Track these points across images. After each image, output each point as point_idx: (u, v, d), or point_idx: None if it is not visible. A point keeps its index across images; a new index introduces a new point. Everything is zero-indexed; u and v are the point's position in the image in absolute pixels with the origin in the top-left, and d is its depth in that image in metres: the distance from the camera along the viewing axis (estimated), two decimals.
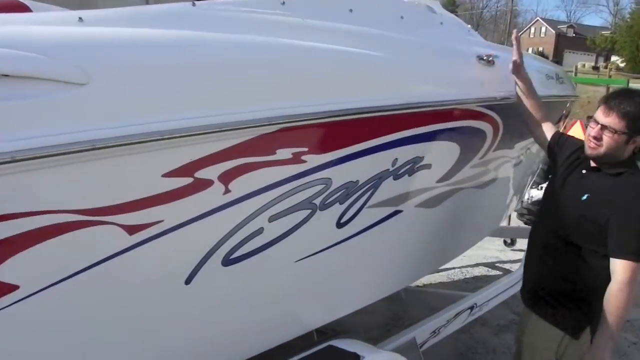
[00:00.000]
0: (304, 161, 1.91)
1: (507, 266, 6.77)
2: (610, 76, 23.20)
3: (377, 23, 2.35)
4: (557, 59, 52.02)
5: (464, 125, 2.63)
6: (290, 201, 1.93)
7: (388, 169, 2.27)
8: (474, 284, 5.97)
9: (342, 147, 2.03)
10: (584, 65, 46.64)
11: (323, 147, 1.97)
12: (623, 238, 2.27)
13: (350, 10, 2.30)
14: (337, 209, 2.12)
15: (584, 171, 2.51)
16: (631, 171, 2.38)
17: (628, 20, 44.51)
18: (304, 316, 2.33)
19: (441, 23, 2.86)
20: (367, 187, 2.20)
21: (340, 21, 2.22)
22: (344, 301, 2.47)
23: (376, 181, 2.23)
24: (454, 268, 6.50)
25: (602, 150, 2.38)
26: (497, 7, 72.83)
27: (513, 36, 2.92)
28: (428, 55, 2.53)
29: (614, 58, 48.03)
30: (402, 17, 2.55)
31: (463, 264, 6.76)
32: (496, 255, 7.27)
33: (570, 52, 56.01)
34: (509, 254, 7.31)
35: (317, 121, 1.91)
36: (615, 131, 2.35)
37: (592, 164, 2.49)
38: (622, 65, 43.96)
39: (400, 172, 2.33)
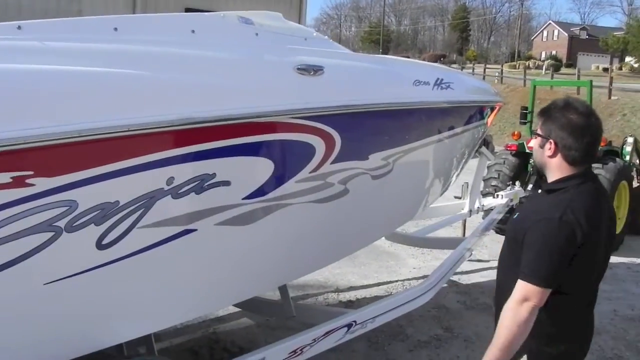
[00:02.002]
0: (31, 184, 1.86)
1: (456, 278, 6.59)
2: (611, 78, 22.75)
3: (155, 39, 2.30)
4: (571, 61, 51.41)
5: (276, 139, 2.55)
6: (20, 225, 1.87)
7: (162, 188, 2.19)
8: None
9: (87, 169, 1.97)
10: (597, 67, 45.96)
11: (58, 169, 1.91)
12: (525, 257, 2.13)
13: (115, 29, 2.25)
14: (93, 230, 2.05)
15: (539, 191, 2.37)
16: (566, 189, 2.17)
17: None
18: (73, 337, 2.24)
19: (256, 34, 2.78)
20: (133, 207, 2.13)
21: (103, 42, 2.17)
22: (129, 322, 2.38)
23: (146, 201, 2.15)
24: (397, 281, 6.37)
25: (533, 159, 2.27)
26: (510, 11, 72.29)
27: None
28: (217, 67, 2.45)
29: (628, 59, 47.24)
30: (193, 31, 2.49)
31: (410, 276, 6.62)
32: None
33: (584, 54, 55.26)
34: (464, 266, 7.15)
35: (48, 143, 1.85)
36: (535, 133, 2.27)
37: None
38: (636, 65, 43.19)
39: (181, 190, 2.25)
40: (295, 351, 3.17)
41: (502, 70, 32.61)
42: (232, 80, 2.45)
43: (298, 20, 19.68)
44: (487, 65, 36.76)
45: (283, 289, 4.10)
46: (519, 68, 38.54)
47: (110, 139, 1.99)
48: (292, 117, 2.57)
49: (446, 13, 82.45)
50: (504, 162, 8.59)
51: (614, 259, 7.51)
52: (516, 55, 56.42)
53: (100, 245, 2.09)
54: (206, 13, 2.81)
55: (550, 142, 2.18)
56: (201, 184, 2.31)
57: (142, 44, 2.26)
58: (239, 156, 2.42)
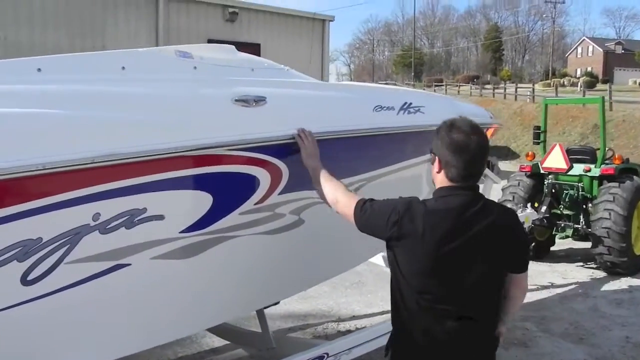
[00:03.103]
0: None
1: None
2: None
3: (80, 77, 2.35)
4: (607, 77, 50.36)
5: (212, 172, 2.56)
6: None
7: (88, 224, 2.23)
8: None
9: (6, 206, 2.01)
10: (635, 82, 44.95)
11: None
12: None
13: (39, 70, 2.31)
14: (17, 266, 2.09)
15: None
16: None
17: None
18: None
19: (195, 67, 2.82)
20: (58, 243, 2.17)
21: (25, 83, 2.24)
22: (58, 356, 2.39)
23: (72, 237, 2.20)
24: None
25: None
26: (543, 29, 71.50)
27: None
28: (145, 102, 2.48)
29: None
30: (123, 68, 2.54)
31: None
32: None
33: (620, 69, 54.13)
34: None
35: None
36: (430, 151, 2.41)
37: None
38: None
39: (109, 226, 2.28)
40: None
41: (533, 89, 32.13)
42: (161, 114, 2.48)
43: (321, 47, 19.87)
44: (519, 85, 36.25)
45: (262, 320, 4.09)
46: (553, 86, 37.96)
47: (27, 177, 2.03)
48: (229, 150, 2.58)
49: (478, 34, 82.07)
50: (519, 183, 8.44)
51: (630, 282, 7.25)
52: (550, 73, 55.60)
53: (25, 282, 2.13)
54: (140, 49, 2.86)
55: (437, 159, 2.32)
56: (131, 219, 2.33)
57: (66, 83, 2.32)
58: (171, 190, 2.44)
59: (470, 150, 2.25)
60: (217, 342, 4.95)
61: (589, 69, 53.92)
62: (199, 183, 2.54)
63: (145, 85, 2.55)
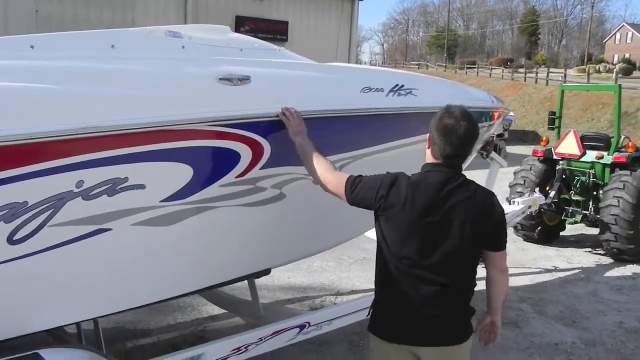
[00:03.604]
0: None
1: None
2: None
3: (71, 54, 2.54)
4: None
5: (193, 146, 2.73)
6: None
7: (72, 190, 2.42)
8: None
9: None
10: None
11: None
12: None
13: (32, 47, 2.51)
14: (4, 227, 2.30)
15: None
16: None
17: None
18: None
19: (183, 47, 2.99)
20: (42, 207, 2.36)
21: (19, 58, 2.43)
22: (42, 314, 2.59)
23: (56, 202, 2.39)
24: None
25: None
26: (582, 14, 69.72)
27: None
28: (131, 78, 2.64)
29: None
30: (112, 46, 2.71)
31: None
32: None
33: None
34: None
35: None
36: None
37: None
38: None
39: (92, 193, 2.47)
40: (239, 348, 3.32)
41: (565, 74, 31.56)
42: (145, 90, 2.64)
43: (349, 26, 19.80)
44: (552, 70, 35.60)
45: (253, 290, 4.28)
46: (587, 72, 37.16)
47: (15, 146, 2.23)
48: (210, 125, 2.74)
49: (515, 16, 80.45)
50: (531, 168, 8.47)
51: (636, 269, 7.27)
52: (586, 58, 54.35)
53: (11, 241, 2.34)
54: (130, 29, 3.03)
55: (429, 137, 2.64)
56: (113, 187, 2.52)
57: (57, 59, 2.50)
58: (152, 162, 2.61)
59: (455, 133, 2.53)
60: (217, 310, 5.18)
61: (627, 55, 52.54)
62: (179, 156, 2.70)
63: (131, 63, 2.72)
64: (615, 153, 7.91)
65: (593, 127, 23.56)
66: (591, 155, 8.02)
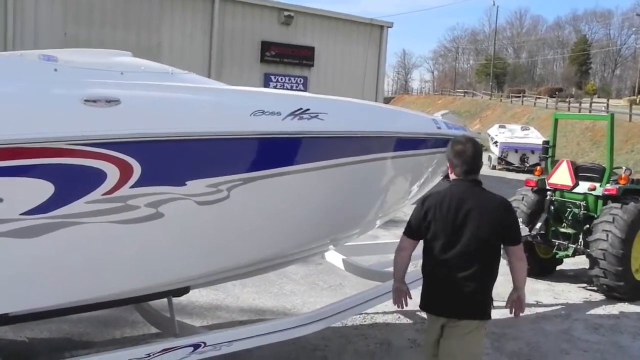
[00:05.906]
0: None
1: None
2: None
3: None
4: None
5: (53, 163, 2.80)
6: None
7: None
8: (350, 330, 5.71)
9: None
10: None
11: None
12: None
13: None
14: None
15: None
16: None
17: None
18: None
19: (55, 70, 3.09)
20: None
21: None
22: None
23: None
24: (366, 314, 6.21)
25: None
26: (637, 44, 67.88)
27: None
28: None
29: None
30: None
31: (379, 310, 6.42)
32: None
33: None
34: None
35: None
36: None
37: None
38: None
39: None
40: None
41: (607, 104, 30.73)
42: (6, 110, 2.77)
43: (378, 53, 19.79)
44: (595, 100, 34.74)
45: (170, 307, 4.28)
46: (639, 103, 36.13)
47: None
48: (70, 144, 2.82)
49: (566, 45, 78.97)
50: (523, 198, 8.23)
51: (625, 308, 6.91)
52: (637, 88, 52.73)
53: None
54: (2, 53, 3.17)
55: (448, 163, 3.54)
56: None
57: None
58: (10, 177, 2.71)
59: (466, 153, 3.42)
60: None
61: None
62: (39, 172, 2.78)
63: None
64: (607, 185, 7.61)
65: (631, 158, 22.81)
66: (584, 187, 7.73)
